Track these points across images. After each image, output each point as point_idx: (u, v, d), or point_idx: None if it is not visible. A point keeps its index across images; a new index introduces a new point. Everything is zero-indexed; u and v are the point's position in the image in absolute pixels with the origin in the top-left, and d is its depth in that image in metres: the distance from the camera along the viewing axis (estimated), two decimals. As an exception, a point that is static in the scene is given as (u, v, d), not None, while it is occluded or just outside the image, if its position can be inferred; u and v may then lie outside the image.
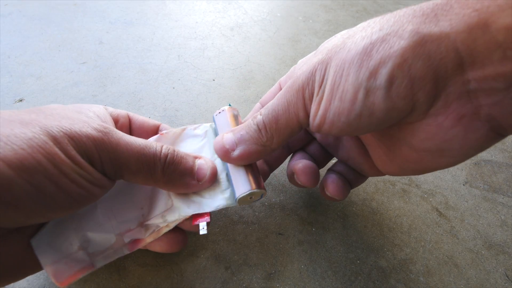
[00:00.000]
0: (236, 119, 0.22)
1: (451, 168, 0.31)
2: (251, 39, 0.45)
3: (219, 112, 0.22)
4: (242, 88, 0.37)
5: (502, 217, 0.27)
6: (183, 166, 0.19)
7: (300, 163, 0.22)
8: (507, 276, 0.23)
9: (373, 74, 0.14)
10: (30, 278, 0.21)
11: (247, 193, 0.19)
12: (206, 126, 0.23)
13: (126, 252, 0.19)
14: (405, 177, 0.29)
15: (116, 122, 0.22)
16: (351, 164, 0.22)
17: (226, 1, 0.53)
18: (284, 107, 0.18)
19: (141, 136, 0.23)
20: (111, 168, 0.16)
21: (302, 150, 0.25)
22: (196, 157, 0.20)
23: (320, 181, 0.23)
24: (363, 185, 0.28)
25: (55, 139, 0.14)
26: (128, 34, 0.43)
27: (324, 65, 0.16)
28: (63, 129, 0.14)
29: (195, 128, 0.23)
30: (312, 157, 0.24)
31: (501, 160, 0.32)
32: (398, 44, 0.13)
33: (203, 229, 0.19)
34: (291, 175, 0.23)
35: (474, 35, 0.12)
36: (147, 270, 0.22)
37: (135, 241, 0.19)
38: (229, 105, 0.23)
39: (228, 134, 0.20)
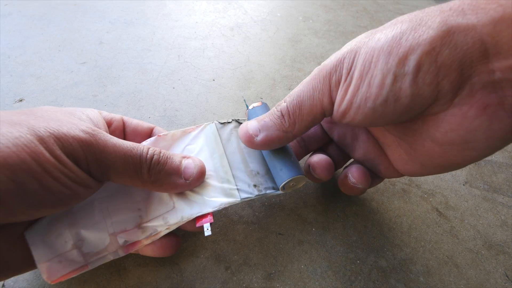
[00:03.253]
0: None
1: (451, 168, 0.31)
2: (251, 39, 0.45)
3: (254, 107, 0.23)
4: (242, 88, 0.37)
5: (502, 217, 0.27)
6: (169, 166, 0.19)
7: (316, 157, 0.23)
8: (507, 276, 0.23)
9: (402, 60, 0.14)
10: (30, 278, 0.21)
11: (295, 177, 0.20)
12: (204, 126, 0.23)
13: (121, 254, 0.19)
14: (405, 177, 0.29)
15: (110, 125, 0.22)
16: (368, 165, 0.23)
17: (226, 1, 0.53)
18: (309, 93, 0.18)
19: (135, 139, 0.23)
20: (97, 169, 0.16)
21: (320, 150, 0.26)
22: (184, 157, 0.20)
23: (340, 175, 0.23)
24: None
25: (41, 139, 0.14)
26: (128, 34, 0.43)
27: (353, 53, 0.16)
28: (50, 129, 0.15)
29: (193, 129, 0.23)
30: (329, 157, 0.25)
31: (501, 160, 0.32)
32: (427, 33, 0.14)
33: (207, 230, 0.19)
34: (307, 169, 0.24)
35: (499, 28, 0.13)
36: (147, 270, 0.22)
37: (131, 243, 0.19)
38: (245, 103, 0.24)
39: (253, 121, 0.20)
